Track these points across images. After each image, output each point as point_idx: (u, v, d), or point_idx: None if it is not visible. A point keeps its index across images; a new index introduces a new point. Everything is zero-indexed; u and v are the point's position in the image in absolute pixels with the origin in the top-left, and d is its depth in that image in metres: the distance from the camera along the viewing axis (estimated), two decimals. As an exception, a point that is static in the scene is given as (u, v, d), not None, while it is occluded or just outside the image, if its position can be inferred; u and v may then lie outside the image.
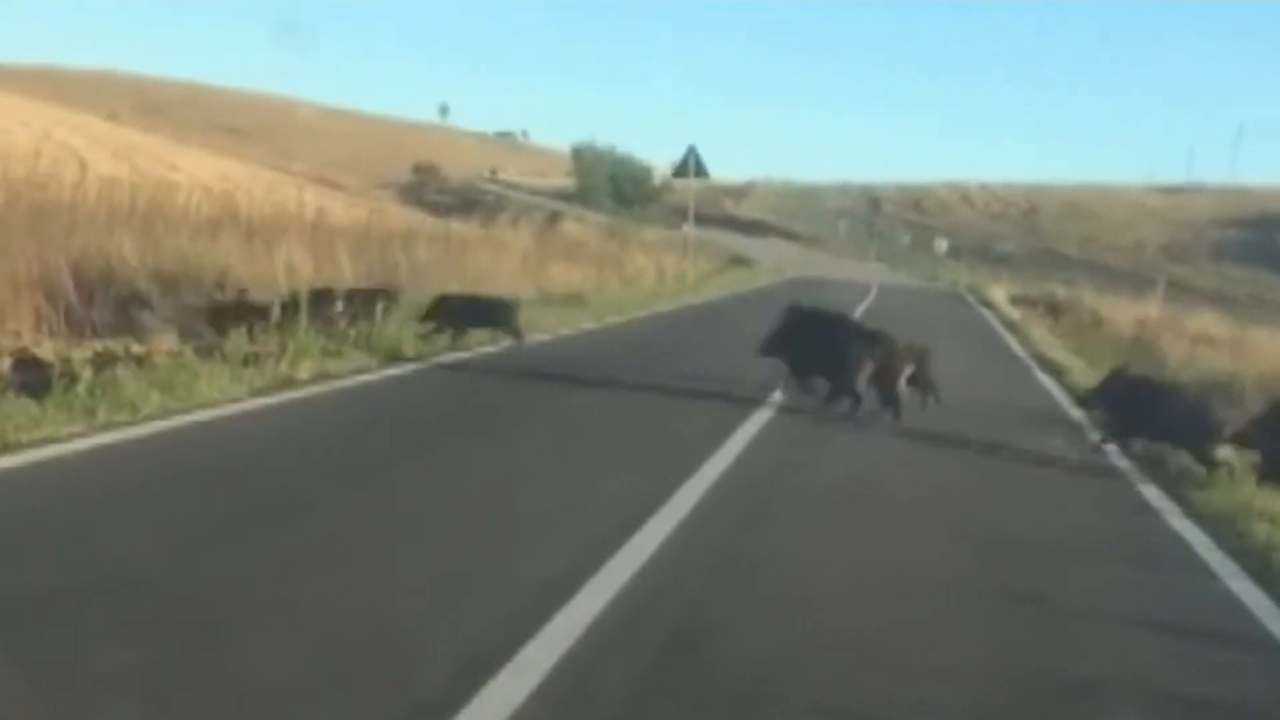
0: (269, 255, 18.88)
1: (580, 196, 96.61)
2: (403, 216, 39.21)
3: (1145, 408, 13.54)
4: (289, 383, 13.17)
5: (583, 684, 5.55)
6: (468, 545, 7.64)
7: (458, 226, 37.59)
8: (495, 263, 27.41)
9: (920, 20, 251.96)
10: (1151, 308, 41.60)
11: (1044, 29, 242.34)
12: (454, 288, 19.91)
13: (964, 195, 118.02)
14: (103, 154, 33.97)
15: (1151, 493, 11.94)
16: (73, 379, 10.59)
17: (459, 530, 8.03)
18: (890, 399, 14.48)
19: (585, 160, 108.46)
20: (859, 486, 11.03)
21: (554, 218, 57.98)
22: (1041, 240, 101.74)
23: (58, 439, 9.43)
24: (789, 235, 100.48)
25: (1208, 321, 39.57)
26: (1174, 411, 13.41)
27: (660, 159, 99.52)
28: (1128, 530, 10.43)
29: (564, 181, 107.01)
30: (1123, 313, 40.27)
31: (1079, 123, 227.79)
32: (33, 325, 13.17)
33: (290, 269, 18.32)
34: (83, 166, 18.55)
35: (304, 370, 13.76)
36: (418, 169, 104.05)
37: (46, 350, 12.00)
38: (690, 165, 44.02)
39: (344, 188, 67.84)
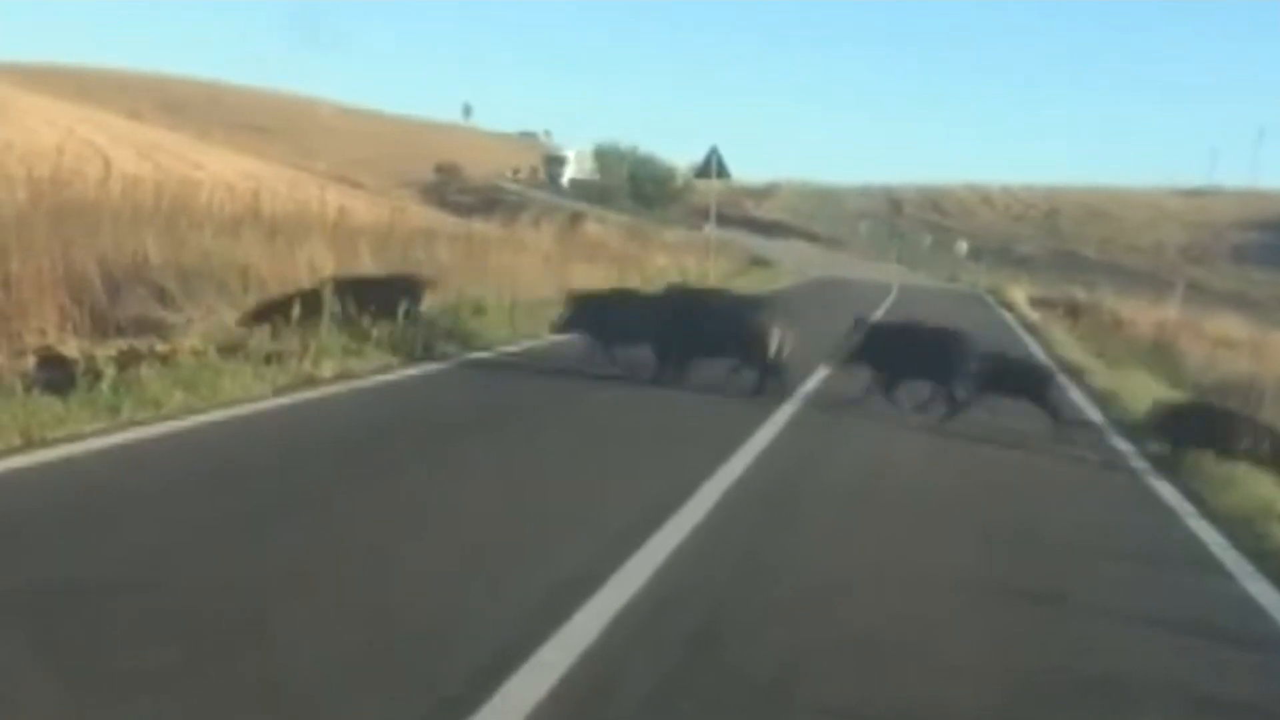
0: (291, 253, 18.94)
1: (602, 196, 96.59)
2: (424, 216, 39.25)
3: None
4: (312, 381, 13.23)
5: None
6: (490, 542, 7.70)
7: (479, 226, 37.62)
8: (517, 263, 27.40)
9: (942, 21, 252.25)
10: (1171, 310, 41.47)
11: (1065, 30, 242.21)
12: (474, 288, 19.95)
13: (984, 197, 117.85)
14: (126, 152, 34.11)
15: (1167, 491, 12.01)
16: (97, 377, 10.65)
17: (481, 527, 8.08)
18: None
19: (607, 160, 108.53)
20: (880, 481, 11.15)
21: (576, 218, 57.98)
22: (1061, 242, 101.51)
23: (81, 436, 9.50)
24: (810, 236, 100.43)
25: (1228, 324, 39.49)
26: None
27: (682, 159, 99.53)
28: (1143, 527, 10.51)
29: (585, 173, 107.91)
30: (1143, 315, 40.19)
31: (1099, 125, 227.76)
32: (57, 323, 13.22)
33: (313, 267, 18.36)
34: (106, 164, 18.59)
35: (326, 369, 13.82)
36: (440, 169, 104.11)
37: (71, 348, 12.07)
38: (712, 166, 43.99)
39: (366, 187, 67.95)
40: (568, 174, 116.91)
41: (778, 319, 15.45)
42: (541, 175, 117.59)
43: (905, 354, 14.95)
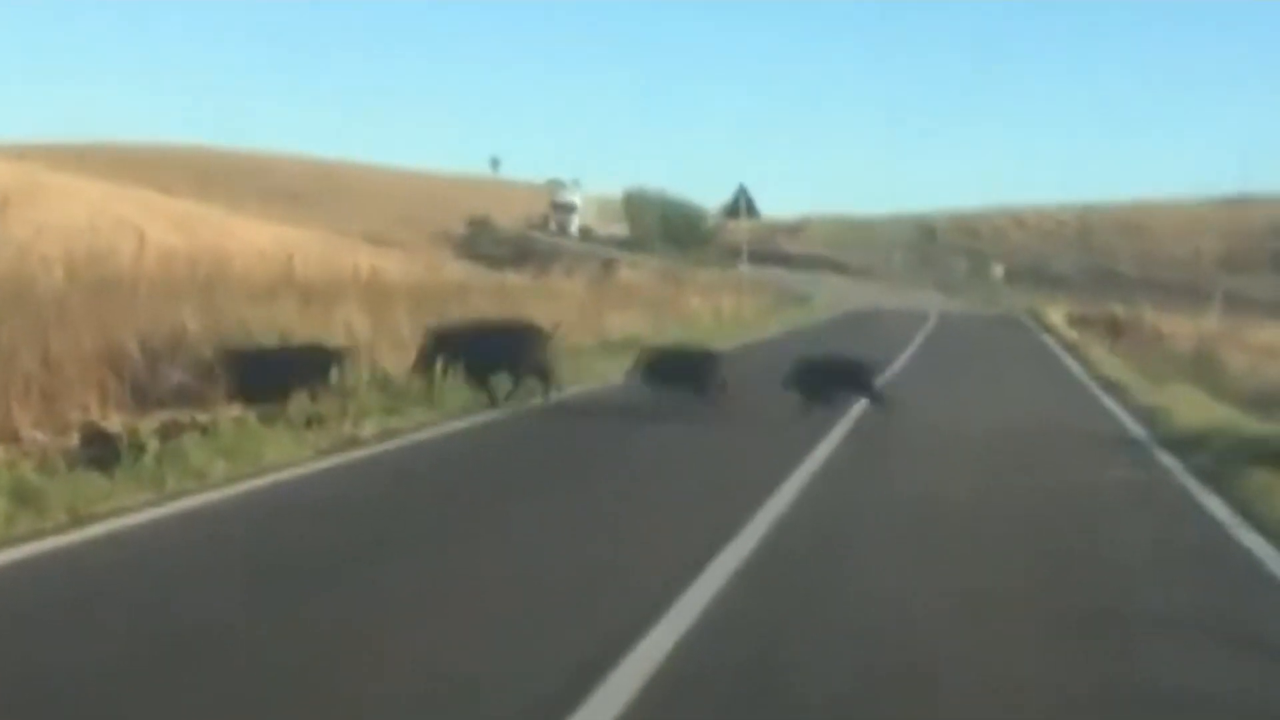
0: (327, 316, 19.07)
1: (634, 242, 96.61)
2: (457, 270, 39.37)
3: None
4: (354, 442, 13.30)
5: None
6: (549, 596, 7.73)
7: (512, 278, 37.76)
8: (552, 312, 27.46)
9: (963, 45, 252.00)
10: (1211, 321, 41.23)
11: (1089, 47, 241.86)
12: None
13: (1017, 219, 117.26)
14: (161, 225, 34.42)
15: (1214, 504, 11.95)
16: (140, 450, 10.74)
17: (540, 582, 8.11)
18: None
19: (636, 206, 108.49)
20: (931, 504, 11.23)
21: (608, 265, 58.12)
22: (1097, 259, 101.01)
23: (128, 509, 9.57)
24: (844, 269, 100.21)
25: (1271, 332, 39.22)
26: None
27: (712, 200, 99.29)
28: (1196, 545, 10.44)
29: (617, 228, 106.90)
30: (1183, 327, 39.98)
31: (1129, 139, 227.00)
32: (99, 399, 13.34)
33: (349, 329, 18.48)
34: (141, 239, 18.71)
35: (367, 429, 13.90)
36: (471, 222, 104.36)
37: (114, 423, 12.17)
38: (741, 205, 44.20)
39: (398, 245, 68.26)
40: (575, 222, 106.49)
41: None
42: (552, 225, 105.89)
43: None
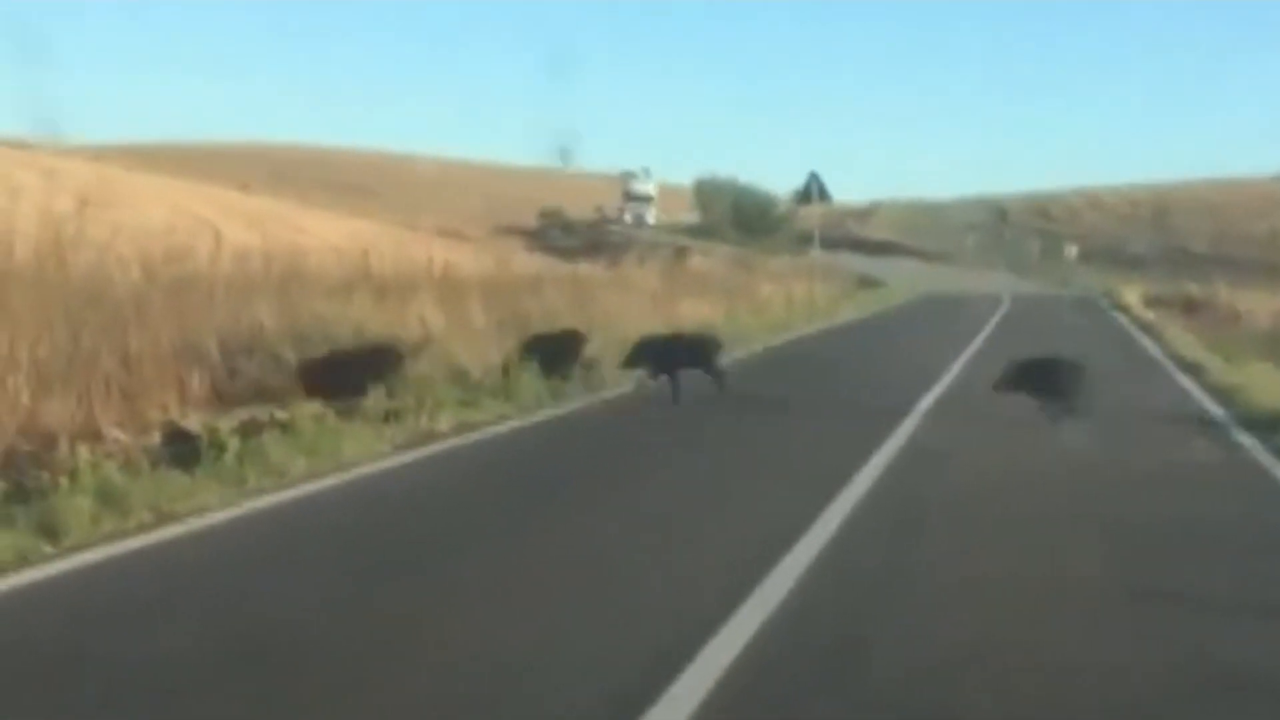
0: (402, 310, 19.18)
1: (705, 230, 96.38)
2: (529, 263, 39.45)
3: None
4: (431, 436, 13.37)
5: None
6: (639, 578, 7.74)
7: (585, 269, 37.82)
8: (624, 303, 27.50)
9: (1039, 26, 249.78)
10: (1288, 298, 40.62)
11: (1164, 25, 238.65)
12: (582, 329, 20.10)
13: (1091, 200, 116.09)
14: (236, 224, 34.65)
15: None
16: (221, 449, 10.83)
17: (627, 563, 8.12)
18: None
19: (708, 194, 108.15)
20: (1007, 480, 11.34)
21: (680, 253, 58.11)
22: (1172, 239, 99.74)
23: (210, 508, 9.67)
24: (916, 253, 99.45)
25: (1352, 308, 38.55)
26: None
27: (783, 186, 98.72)
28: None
29: (689, 216, 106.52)
30: (1261, 306, 39.43)
31: (1204, 117, 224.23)
32: (179, 398, 13.46)
33: (423, 322, 18.57)
34: (217, 237, 18.89)
35: (444, 422, 13.96)
36: (543, 214, 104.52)
37: (194, 421, 12.26)
38: (813, 191, 44.02)
39: (470, 238, 68.50)
40: (652, 213, 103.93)
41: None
42: (628, 216, 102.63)
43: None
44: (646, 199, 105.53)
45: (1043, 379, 15.24)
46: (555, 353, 17.27)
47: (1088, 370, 15.71)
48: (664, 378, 16.95)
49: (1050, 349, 16.65)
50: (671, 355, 17.26)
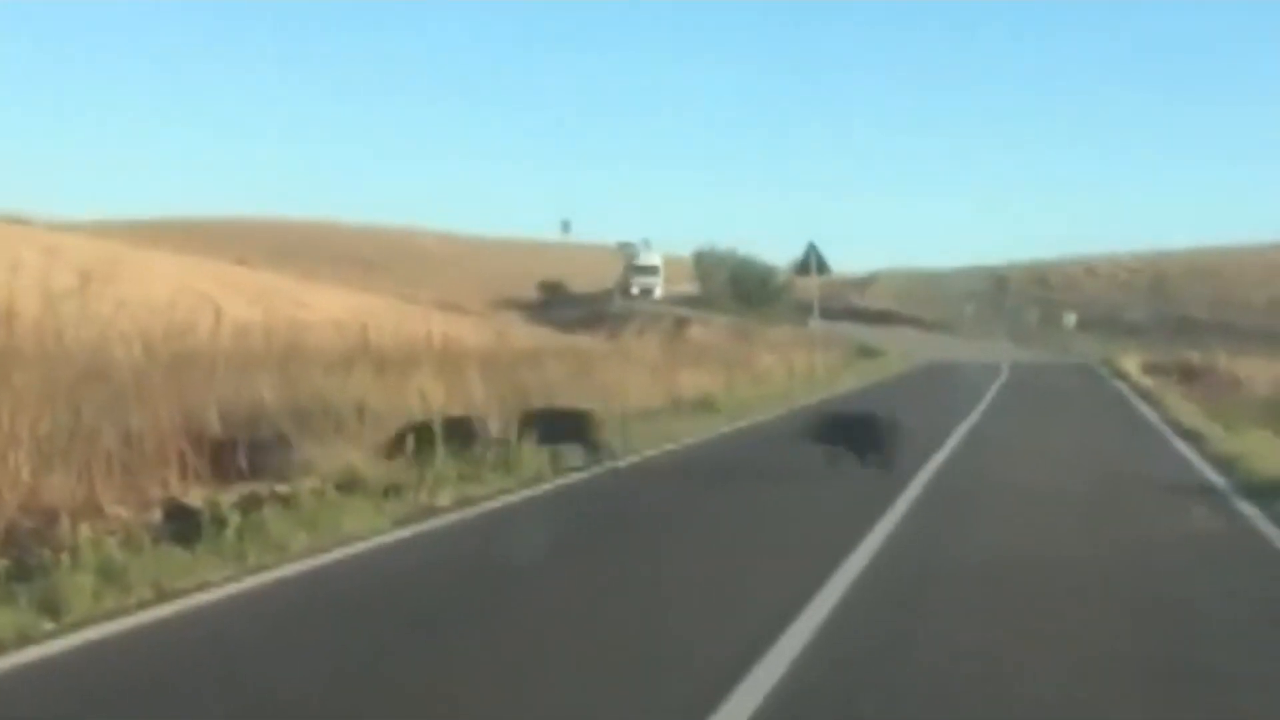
0: (402, 385, 19.23)
1: (705, 300, 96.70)
2: (530, 335, 39.64)
3: None
4: (431, 511, 13.38)
5: None
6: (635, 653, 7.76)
7: (585, 341, 37.95)
8: (625, 374, 27.58)
9: (1037, 96, 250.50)
10: (1287, 366, 40.68)
11: (1163, 93, 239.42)
12: (584, 405, 20.16)
13: (1088, 268, 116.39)
14: (237, 298, 34.76)
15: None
16: (221, 524, 10.83)
17: (624, 634, 8.14)
18: None
19: (707, 265, 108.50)
20: (1012, 555, 11.31)
21: (680, 324, 58.33)
22: (1170, 306, 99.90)
23: (210, 584, 9.68)
24: (915, 322, 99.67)
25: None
26: None
27: (782, 256, 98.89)
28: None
29: (688, 287, 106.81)
30: (1260, 373, 39.50)
31: (1203, 184, 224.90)
32: (179, 473, 13.50)
33: (424, 397, 18.61)
34: (218, 313, 18.96)
35: (444, 497, 13.98)
36: (543, 286, 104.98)
37: (194, 497, 12.29)
38: (812, 262, 44.22)
39: (471, 311, 68.75)
40: (659, 285, 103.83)
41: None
42: (634, 289, 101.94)
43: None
44: (653, 270, 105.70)
45: (856, 434, 16.28)
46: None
47: (899, 425, 16.64)
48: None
49: (1043, 416, 16.76)
50: (553, 427, 17.28)
